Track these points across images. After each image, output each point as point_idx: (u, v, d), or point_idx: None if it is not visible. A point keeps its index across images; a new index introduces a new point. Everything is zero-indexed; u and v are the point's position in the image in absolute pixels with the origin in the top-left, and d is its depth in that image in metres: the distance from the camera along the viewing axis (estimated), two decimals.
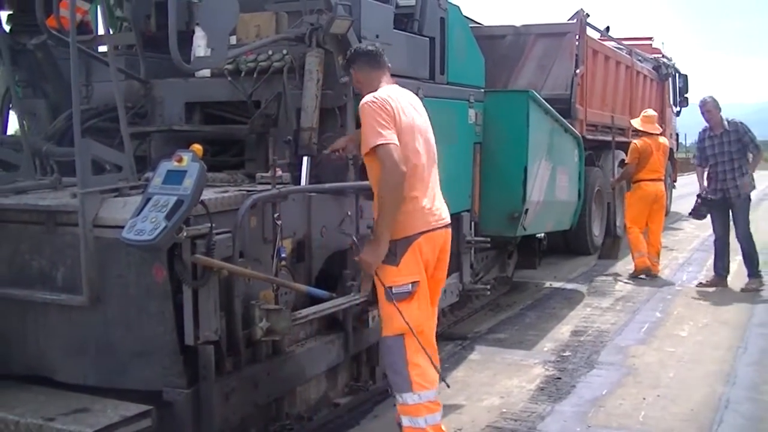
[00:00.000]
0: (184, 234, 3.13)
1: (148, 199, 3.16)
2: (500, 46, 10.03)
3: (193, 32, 4.69)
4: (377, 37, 4.72)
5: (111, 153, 3.82)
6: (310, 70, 4.29)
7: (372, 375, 4.67)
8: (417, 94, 4.23)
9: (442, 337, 5.20)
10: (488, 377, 5.28)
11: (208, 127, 4.71)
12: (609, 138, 10.76)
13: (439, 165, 3.91)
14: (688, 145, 26.07)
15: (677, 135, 18.63)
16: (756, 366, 5.50)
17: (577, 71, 9.77)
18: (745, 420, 4.49)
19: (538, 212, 6.96)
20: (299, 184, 4.16)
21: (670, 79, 15.38)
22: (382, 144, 3.44)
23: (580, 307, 7.49)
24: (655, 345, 6.06)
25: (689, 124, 16.62)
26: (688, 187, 13.34)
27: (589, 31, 10.53)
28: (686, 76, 16.76)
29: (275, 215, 3.72)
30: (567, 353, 5.84)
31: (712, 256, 8.47)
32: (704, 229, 10.41)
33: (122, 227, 3.12)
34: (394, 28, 5.08)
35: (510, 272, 7.72)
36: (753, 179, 8.13)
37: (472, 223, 6.23)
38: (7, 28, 4.80)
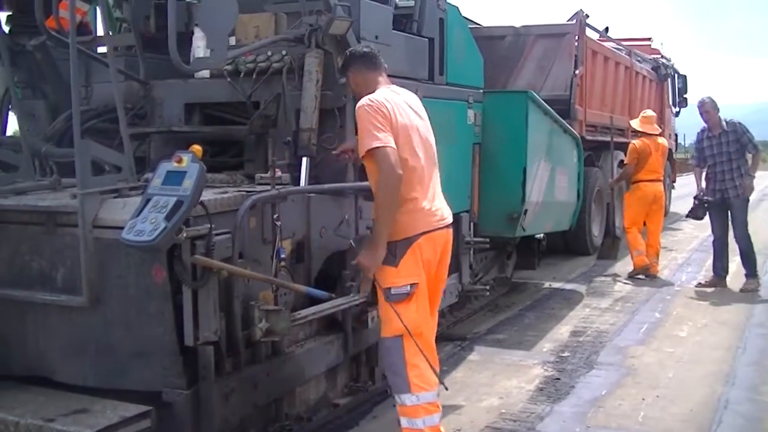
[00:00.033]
0: (184, 235, 3.13)
1: (148, 200, 3.16)
2: (499, 46, 10.03)
3: (193, 33, 4.69)
4: (376, 38, 4.73)
5: (110, 154, 3.82)
6: (310, 71, 4.30)
7: (371, 376, 4.67)
8: (416, 95, 4.23)
9: (441, 337, 5.20)
10: (487, 378, 5.28)
11: (208, 128, 4.71)
12: (608, 138, 10.77)
13: (438, 166, 3.91)
14: (687, 145, 26.07)
15: (676, 135, 18.64)
16: (755, 366, 5.50)
17: (577, 72, 9.78)
18: (745, 420, 4.49)
19: (537, 213, 6.97)
20: (298, 184, 4.16)
21: (669, 79, 15.38)
22: (378, 147, 3.43)
23: (579, 307, 7.49)
24: (654, 345, 6.06)
25: (688, 125, 16.62)
26: (687, 188, 13.35)
27: (589, 32, 10.54)
28: (685, 76, 16.77)
29: (275, 216, 3.72)
30: (566, 354, 5.85)
31: (711, 257, 8.48)
32: (703, 229, 10.42)
33: (122, 228, 3.12)
34: (393, 29, 5.09)
35: (509, 273, 7.72)
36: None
37: (471, 224, 6.23)
38: (6, 29, 4.81)
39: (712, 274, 8.39)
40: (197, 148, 3.36)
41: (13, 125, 5.03)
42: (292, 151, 4.25)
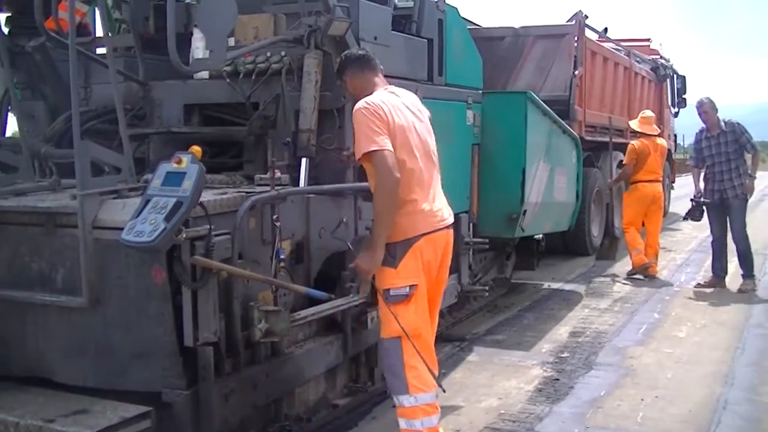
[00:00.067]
0: (183, 235, 3.14)
1: (148, 201, 3.17)
2: (499, 47, 10.05)
3: (192, 34, 4.69)
4: (375, 38, 4.74)
5: (110, 155, 3.83)
6: (309, 72, 4.30)
7: (371, 376, 4.67)
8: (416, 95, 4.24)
9: (440, 338, 5.20)
10: (486, 378, 5.28)
11: (207, 129, 4.71)
12: (607, 139, 10.78)
13: (438, 166, 3.91)
14: (686, 146, 26.09)
15: (675, 136, 18.64)
16: (754, 367, 5.51)
17: (576, 72, 9.79)
18: (744, 421, 4.50)
19: (537, 213, 6.97)
20: (298, 185, 4.17)
21: (668, 80, 15.40)
22: (375, 150, 3.42)
23: (578, 308, 7.50)
24: (653, 346, 6.07)
25: (688, 125, 16.63)
26: (686, 188, 13.35)
27: (588, 33, 10.55)
28: (684, 77, 16.78)
29: (274, 217, 3.73)
30: (565, 354, 5.85)
31: (710, 257, 8.49)
32: (702, 230, 10.43)
33: (121, 229, 3.12)
34: (392, 30, 5.09)
35: (508, 273, 7.72)
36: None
37: (471, 225, 6.24)
38: (5, 30, 4.81)
39: (711, 274, 8.40)
40: (196, 149, 3.36)
41: (12, 126, 5.04)
42: (292, 152, 4.26)
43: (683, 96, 16.68)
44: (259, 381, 3.62)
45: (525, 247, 7.77)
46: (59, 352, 3.54)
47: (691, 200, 8.51)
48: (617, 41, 13.10)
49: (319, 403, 4.27)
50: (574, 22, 10.13)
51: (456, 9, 6.10)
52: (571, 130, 8.27)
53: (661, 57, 15.55)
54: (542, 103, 7.16)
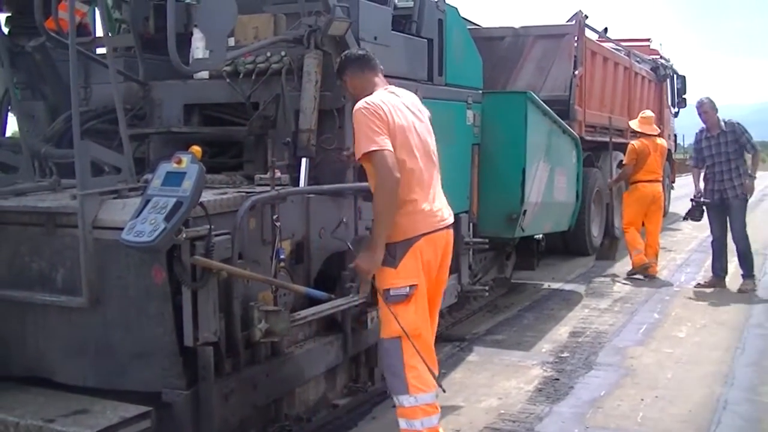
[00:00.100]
0: (183, 235, 3.14)
1: (148, 201, 3.17)
2: (499, 47, 10.05)
3: (192, 34, 4.70)
4: (375, 38, 4.74)
5: (110, 155, 3.83)
6: (309, 72, 4.30)
7: (371, 376, 4.67)
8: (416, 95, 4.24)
9: (440, 338, 5.20)
10: (486, 378, 5.28)
11: (207, 129, 4.71)
12: (607, 139, 10.79)
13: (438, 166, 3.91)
14: (686, 146, 26.10)
15: (675, 136, 18.64)
16: (754, 367, 5.51)
17: (576, 72, 9.79)
18: (743, 421, 4.50)
19: (537, 213, 6.97)
20: (298, 185, 4.17)
21: (668, 80, 15.40)
22: (374, 151, 3.42)
23: (578, 308, 7.50)
24: (653, 346, 6.07)
25: (688, 125, 16.63)
26: (686, 188, 13.35)
27: (588, 33, 10.55)
28: (684, 77, 16.78)
29: (274, 217, 3.73)
30: (565, 354, 5.85)
31: (710, 257, 8.49)
32: (702, 230, 10.42)
33: (121, 229, 3.13)
34: (392, 30, 5.09)
35: (508, 273, 7.72)
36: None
37: (471, 225, 6.24)
38: (5, 30, 4.81)
39: (711, 274, 8.41)
40: (196, 149, 3.36)
41: (12, 126, 5.04)
42: (292, 152, 4.26)
43: (683, 96, 16.69)
44: (259, 381, 3.62)
45: (525, 247, 7.77)
46: (59, 352, 3.54)
47: (691, 200, 8.52)
48: (617, 41, 13.10)
49: (319, 403, 4.27)
50: (574, 22, 10.12)
51: (456, 9, 6.10)
52: (571, 130, 8.27)
53: (661, 57, 15.55)
54: (542, 103, 7.16)
